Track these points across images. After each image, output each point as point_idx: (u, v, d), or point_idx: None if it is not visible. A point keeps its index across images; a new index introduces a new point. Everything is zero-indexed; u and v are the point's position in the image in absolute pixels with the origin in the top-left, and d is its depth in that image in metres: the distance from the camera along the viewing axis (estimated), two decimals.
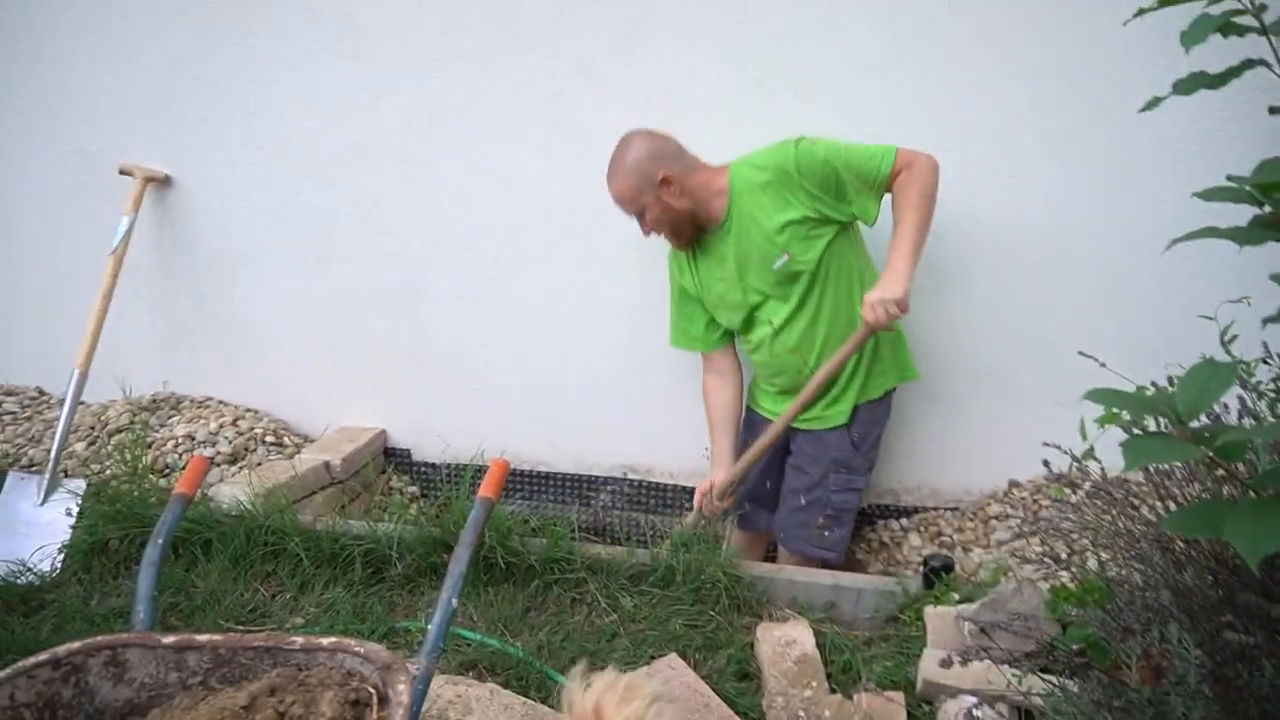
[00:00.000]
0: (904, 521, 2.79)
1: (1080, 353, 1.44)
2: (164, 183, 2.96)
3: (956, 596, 2.15)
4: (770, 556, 2.68)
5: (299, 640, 1.30)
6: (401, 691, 1.18)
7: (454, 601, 1.52)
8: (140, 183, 2.86)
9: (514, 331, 2.95)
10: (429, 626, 1.49)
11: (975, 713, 1.48)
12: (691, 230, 2.32)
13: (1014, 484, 2.65)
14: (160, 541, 1.61)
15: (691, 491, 2.67)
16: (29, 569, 2.35)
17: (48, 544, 2.40)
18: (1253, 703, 1.01)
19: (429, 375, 3.07)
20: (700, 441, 2.63)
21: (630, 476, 2.98)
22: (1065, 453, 1.35)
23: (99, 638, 1.32)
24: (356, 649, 1.28)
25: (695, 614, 2.19)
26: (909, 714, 1.85)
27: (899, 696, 1.88)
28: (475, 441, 3.03)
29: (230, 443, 2.80)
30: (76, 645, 1.30)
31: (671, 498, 2.95)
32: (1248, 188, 0.91)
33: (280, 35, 2.79)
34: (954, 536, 2.64)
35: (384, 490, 3.01)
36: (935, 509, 2.78)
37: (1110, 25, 2.26)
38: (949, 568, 2.18)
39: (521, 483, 3.04)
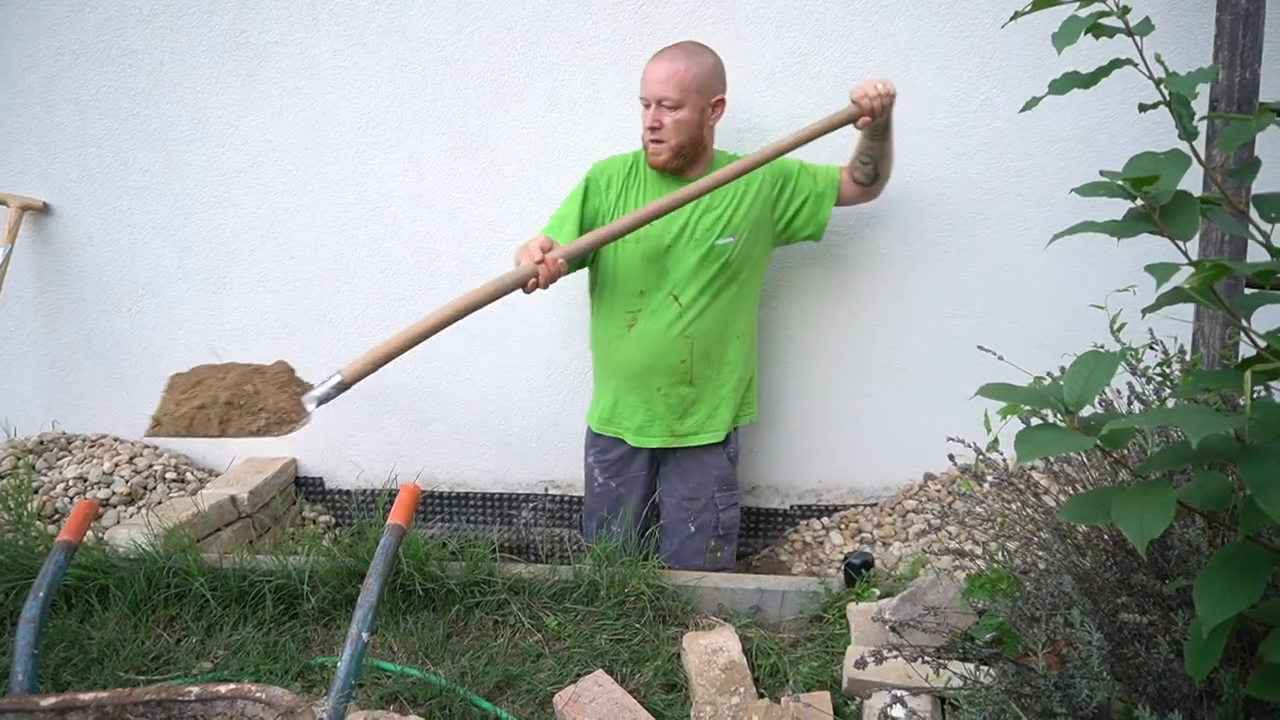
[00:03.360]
0: (825, 520, 2.82)
1: (980, 347, 1.48)
2: (42, 210, 2.80)
3: (877, 592, 2.18)
4: None
5: (194, 690, 1.23)
6: None
7: (365, 636, 1.46)
8: (16, 212, 2.70)
9: (427, 351, 2.87)
10: (339, 664, 1.43)
11: (891, 711, 1.49)
12: (685, 162, 2.23)
13: (929, 477, 2.71)
14: (41, 595, 1.52)
15: None
16: None
17: None
18: (1150, 679, 1.04)
19: (340, 400, 2.97)
20: None
21: (551, 492, 2.94)
22: (969, 446, 1.38)
23: None
24: (257, 695, 1.22)
25: (621, 628, 2.17)
26: (836, 712, 1.86)
27: (825, 697, 1.89)
28: (390, 466, 2.95)
29: (127, 482, 2.65)
30: None
31: None
32: (1120, 183, 0.94)
33: (166, 54, 2.67)
34: (874, 533, 2.68)
35: (296, 522, 2.90)
36: (855, 506, 2.82)
37: (990, 27, 2.35)
38: (869, 564, 2.21)
39: (440, 505, 2.97)
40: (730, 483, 2.48)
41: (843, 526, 2.79)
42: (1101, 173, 0.93)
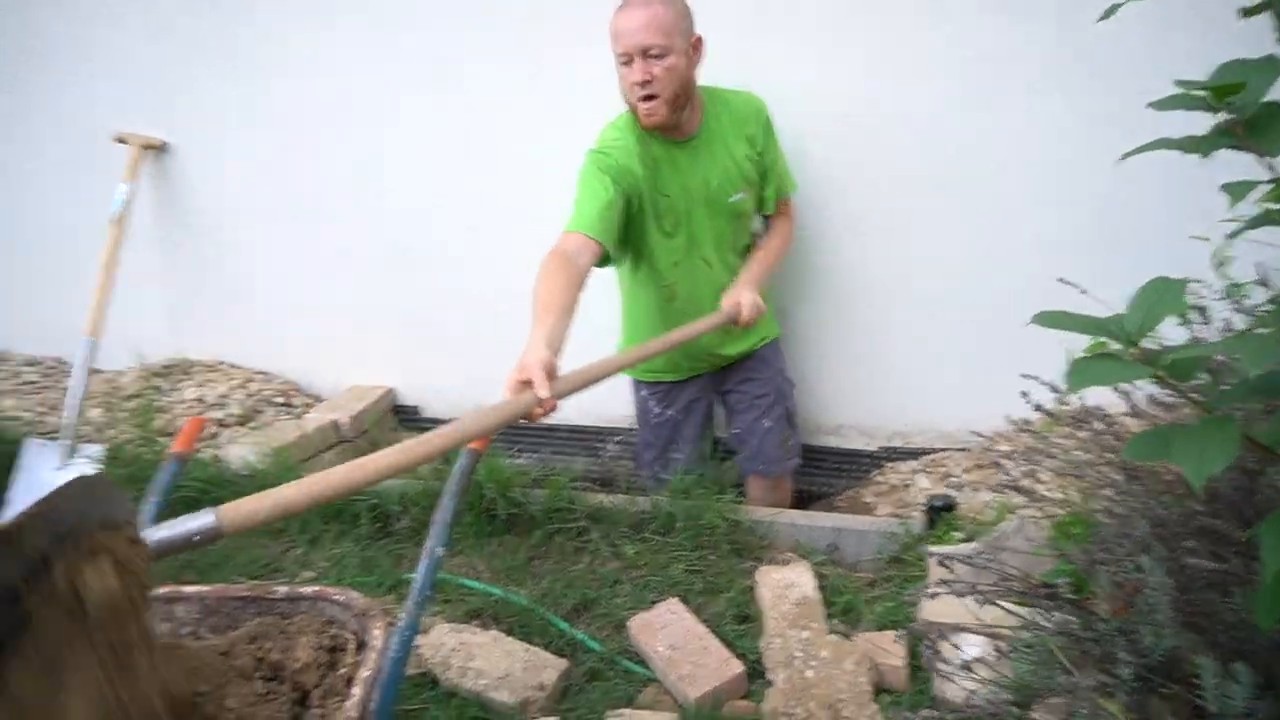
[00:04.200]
0: (913, 464, 2.76)
1: (1060, 279, 1.40)
2: (160, 149, 2.97)
3: (959, 536, 2.14)
4: None
5: (282, 590, 1.33)
6: (376, 636, 1.21)
7: (439, 550, 1.53)
8: (136, 150, 2.88)
9: (515, 285, 2.93)
10: (415, 576, 1.51)
11: (947, 653, 1.47)
12: (680, 113, 2.12)
13: (1023, 421, 2.60)
14: (154, 500, 1.65)
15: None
16: None
17: None
18: (1221, 630, 0.99)
19: (434, 332, 3.08)
20: None
21: (634, 425, 2.98)
22: (1045, 384, 1.32)
23: None
24: (336, 597, 1.30)
25: (696, 559, 2.20)
26: (910, 653, 1.85)
27: (898, 635, 1.88)
28: (480, 396, 3.03)
29: (240, 405, 2.85)
30: None
31: None
32: (1199, 93, 0.87)
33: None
34: (963, 477, 2.61)
35: None
36: (944, 450, 2.75)
37: None
38: (950, 507, 2.16)
39: (528, 436, 3.06)
40: (787, 373, 2.56)
41: (930, 470, 2.73)
42: (1177, 83, 0.85)
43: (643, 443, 2.59)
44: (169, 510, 2.39)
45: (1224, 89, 0.85)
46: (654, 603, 2.05)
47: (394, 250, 2.98)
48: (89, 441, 2.64)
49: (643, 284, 2.35)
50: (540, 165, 2.75)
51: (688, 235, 2.26)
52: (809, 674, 1.83)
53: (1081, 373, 0.82)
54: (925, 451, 2.77)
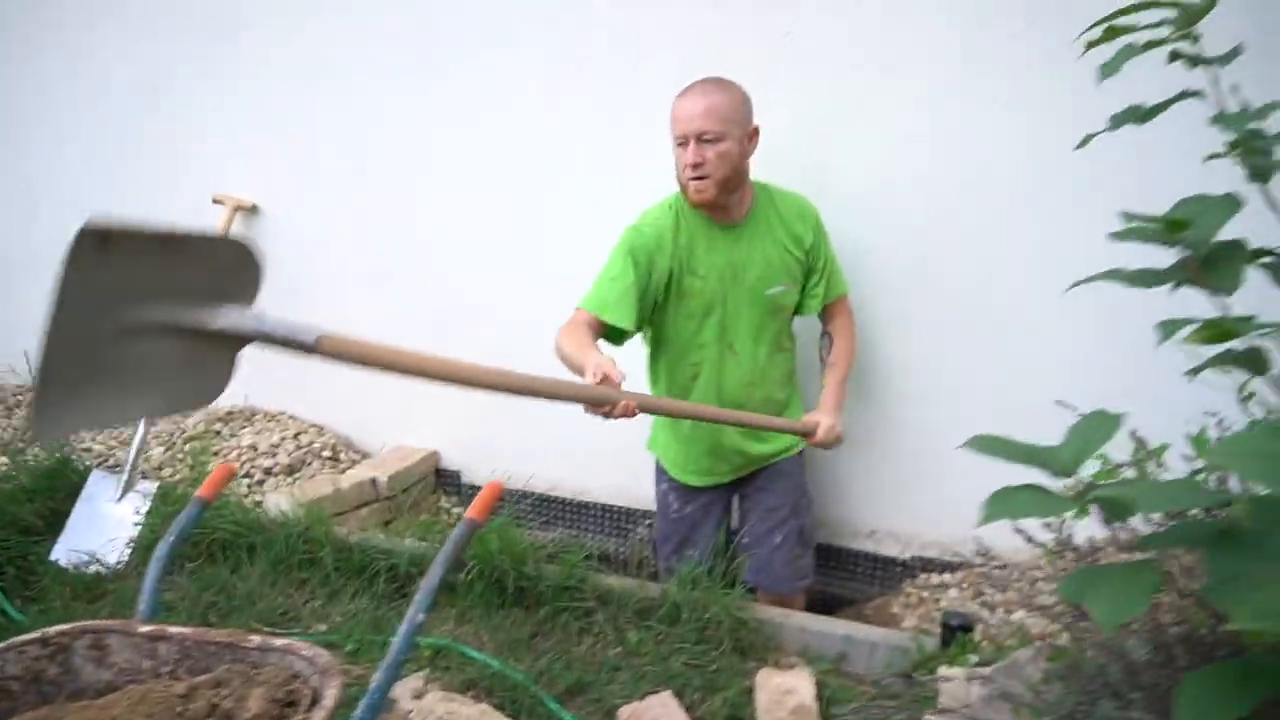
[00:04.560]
0: (947, 576, 2.65)
1: (1058, 402, 1.36)
2: (251, 211, 3.20)
3: (974, 659, 2.04)
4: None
5: (256, 639, 1.37)
6: (329, 695, 1.23)
7: (420, 616, 1.56)
8: (230, 211, 3.11)
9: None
10: (394, 640, 1.54)
11: None
12: (728, 196, 2.18)
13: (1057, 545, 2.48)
14: (170, 539, 1.74)
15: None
16: (98, 560, 2.56)
17: (116, 538, 2.60)
18: None
19: (483, 400, 3.15)
20: None
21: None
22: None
23: (85, 622, 1.44)
24: (304, 652, 1.34)
25: (699, 654, 2.15)
26: None
27: None
28: (521, 467, 3.10)
29: (289, 455, 2.97)
30: (65, 627, 1.42)
31: None
32: (1152, 226, 0.86)
33: (355, 72, 3.00)
34: (994, 597, 2.49)
35: (432, 509, 3.11)
36: (981, 566, 2.63)
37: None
38: (968, 627, 2.06)
39: (563, 511, 3.08)
40: (807, 490, 2.52)
41: (964, 585, 2.61)
42: (1123, 214, 0.84)
43: (660, 535, 2.58)
44: (185, 547, 2.53)
45: (1175, 224, 0.84)
46: (648, 694, 2.02)
47: (450, 315, 3.11)
48: (146, 478, 2.80)
49: (666, 361, 2.38)
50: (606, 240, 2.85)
51: (720, 321, 2.28)
52: None
53: (999, 504, 0.81)
54: (960, 565, 2.66)
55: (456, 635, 2.28)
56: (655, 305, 2.25)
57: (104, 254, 0.99)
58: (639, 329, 2.26)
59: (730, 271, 2.25)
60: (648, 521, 3.00)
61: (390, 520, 2.87)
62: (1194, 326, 0.76)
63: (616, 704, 2.01)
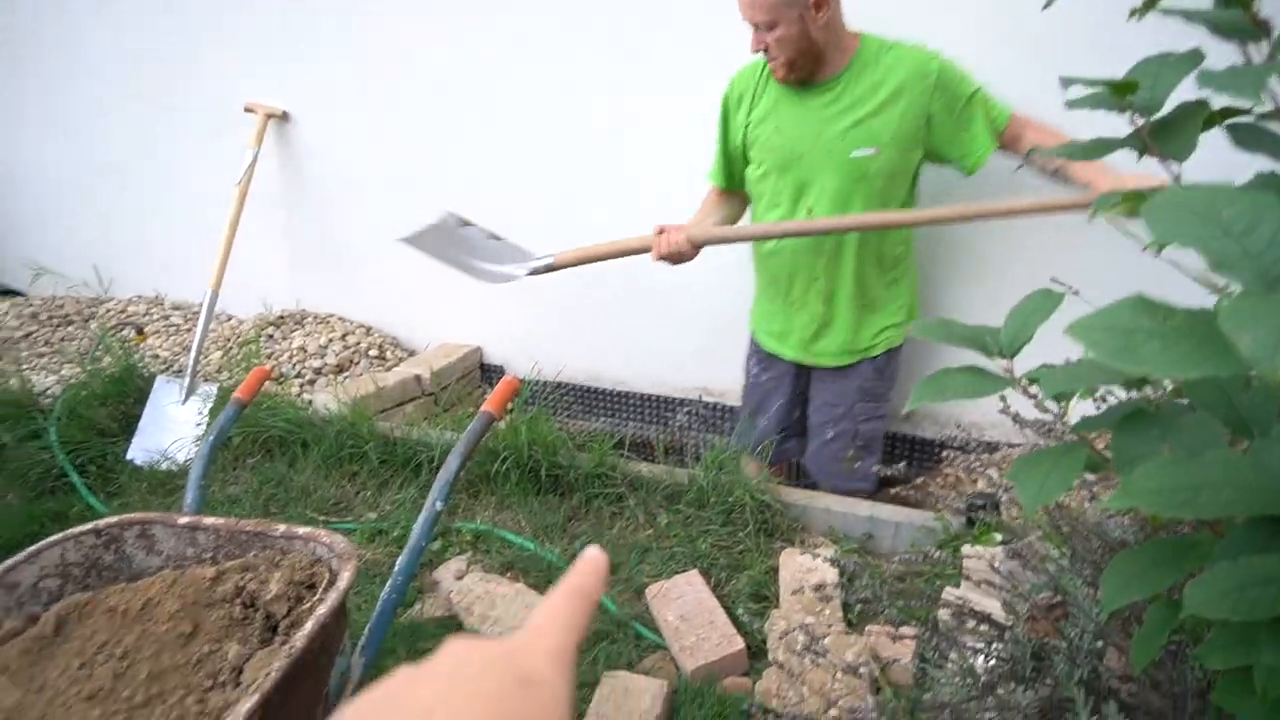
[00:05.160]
0: (985, 457, 2.63)
1: (1052, 279, 1.31)
2: (283, 119, 3.23)
3: (999, 537, 2.05)
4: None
5: (281, 528, 1.47)
6: (344, 577, 1.32)
7: (438, 505, 1.64)
8: (262, 119, 3.14)
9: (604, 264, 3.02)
10: (414, 528, 1.63)
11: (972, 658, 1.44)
12: (806, 70, 2.08)
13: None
14: (212, 439, 1.85)
15: None
16: (168, 458, 2.75)
17: (183, 438, 2.78)
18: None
19: (524, 296, 3.20)
20: None
21: (705, 398, 3.01)
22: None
23: (132, 514, 1.56)
24: (324, 539, 1.43)
25: (725, 535, 2.22)
26: (920, 655, 1.81)
27: (909, 634, 1.84)
28: (561, 360, 3.16)
29: (337, 355, 3.09)
30: (114, 519, 1.54)
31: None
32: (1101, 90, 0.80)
33: None
34: None
35: (476, 404, 3.21)
36: (1019, 445, 2.61)
37: None
38: (992, 506, 2.06)
39: (604, 401, 3.15)
40: (876, 395, 2.36)
41: (1003, 466, 2.59)
42: (1062, 79, 0.79)
43: (743, 400, 2.59)
44: (226, 449, 2.68)
45: (1123, 87, 0.78)
46: (676, 574, 2.10)
47: (488, 215, 3.11)
48: (206, 382, 2.96)
49: (754, 215, 2.33)
50: (629, 137, 2.80)
51: (796, 181, 2.16)
52: (808, 660, 1.82)
53: (932, 385, 0.80)
54: (999, 445, 2.64)
55: (496, 521, 2.40)
56: (745, 162, 2.25)
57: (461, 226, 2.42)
58: (743, 186, 2.30)
59: (812, 129, 2.11)
60: (686, 409, 3.05)
61: (441, 413, 2.98)
62: (1122, 195, 0.72)
63: (646, 583, 2.11)
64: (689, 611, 1.98)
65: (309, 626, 1.23)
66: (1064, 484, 0.73)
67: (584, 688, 1.86)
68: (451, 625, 2.06)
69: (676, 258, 2.17)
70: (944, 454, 2.71)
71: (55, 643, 1.29)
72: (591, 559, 0.48)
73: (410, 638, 2.00)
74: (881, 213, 2.09)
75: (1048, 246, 2.35)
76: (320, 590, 1.35)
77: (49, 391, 3.07)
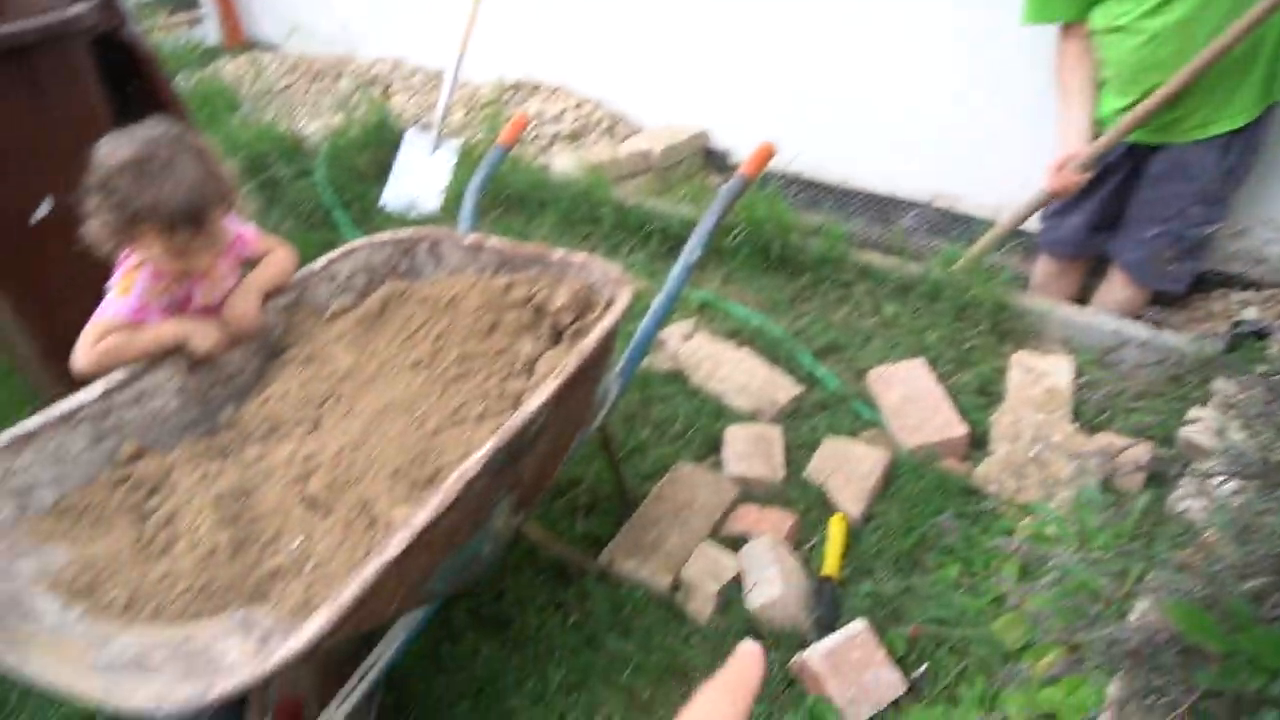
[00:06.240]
0: (1249, 294, 2.42)
1: None
2: None
3: (1262, 368, 1.91)
4: (1088, 286, 2.46)
5: (559, 253, 1.58)
6: (622, 300, 1.42)
7: (695, 255, 1.69)
8: None
9: (839, 47, 2.86)
10: (671, 273, 1.70)
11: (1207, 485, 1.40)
12: None
13: None
14: (482, 174, 1.96)
15: None
16: (416, 208, 2.97)
17: (431, 187, 2.98)
18: None
19: (755, 82, 3.12)
20: (1020, 178, 2.41)
21: (937, 204, 2.88)
22: None
23: (425, 229, 1.72)
24: (599, 266, 1.53)
25: (954, 332, 2.20)
26: (1150, 465, 1.77)
27: (1146, 449, 1.79)
28: (789, 150, 3.09)
29: (571, 123, 3.16)
30: (410, 231, 1.71)
31: (977, 230, 2.82)
32: None
33: None
34: None
35: (699, 184, 3.23)
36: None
37: None
38: (1263, 334, 1.92)
39: (827, 195, 3.08)
40: (1214, 198, 2.07)
41: (1268, 304, 2.38)
42: None
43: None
44: (486, 200, 2.84)
45: None
46: (899, 361, 2.12)
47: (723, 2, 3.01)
48: (451, 137, 3.12)
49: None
50: None
51: None
52: (1033, 453, 1.83)
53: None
54: (1266, 285, 2.41)
55: (721, 294, 2.47)
56: None
57: None
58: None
59: None
60: (915, 212, 2.95)
61: (665, 190, 3.02)
62: None
63: (866, 366, 2.14)
64: (912, 395, 2.01)
65: (596, 333, 1.34)
66: None
67: (802, 448, 1.96)
68: (678, 379, 2.19)
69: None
70: (1205, 285, 2.50)
71: (381, 320, 1.49)
72: (748, 653, 0.46)
73: (642, 385, 2.16)
74: None
75: None
76: (599, 310, 1.46)
77: (313, 136, 3.35)
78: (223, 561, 1.13)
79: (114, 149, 1.26)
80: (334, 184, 3.08)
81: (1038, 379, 2.00)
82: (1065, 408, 1.93)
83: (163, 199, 1.25)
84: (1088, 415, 1.94)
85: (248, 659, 0.99)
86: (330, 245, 2.83)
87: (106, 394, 1.31)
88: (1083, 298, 2.43)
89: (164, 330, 1.36)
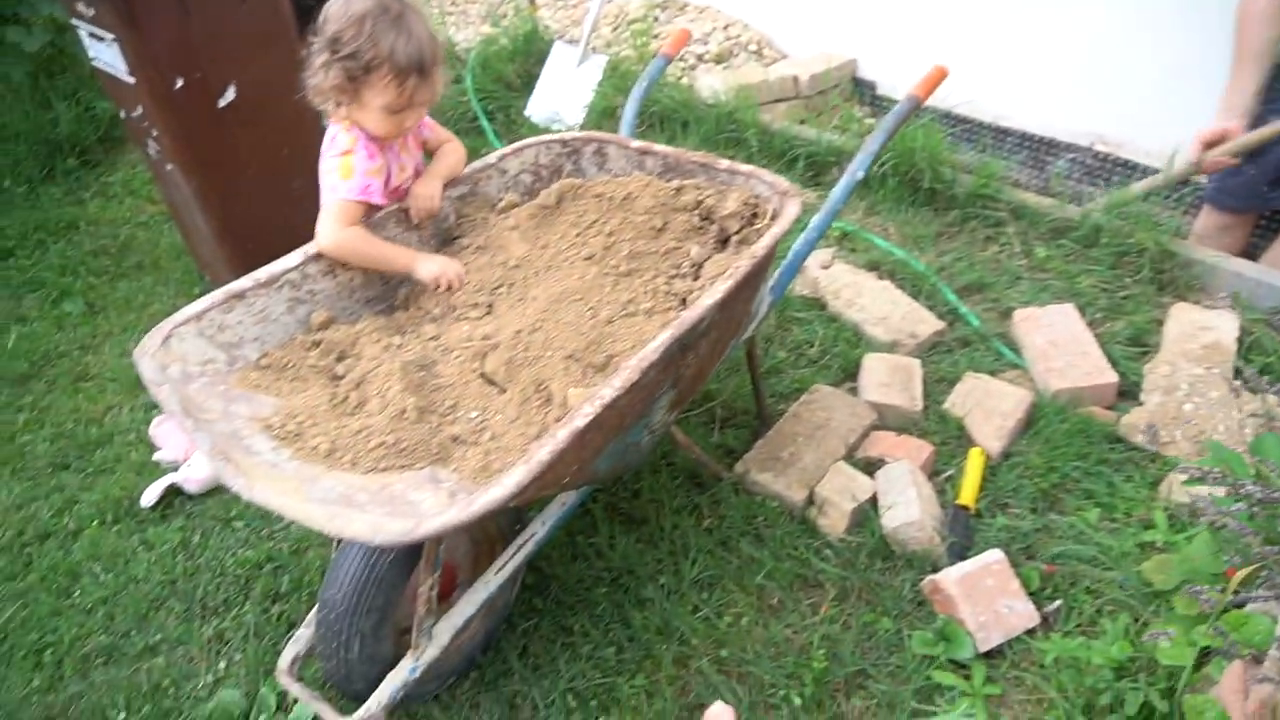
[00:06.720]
0: None
1: None
2: None
3: None
4: (1254, 244, 2.30)
5: (725, 163, 1.59)
6: (791, 212, 1.43)
7: (859, 173, 1.68)
8: None
9: None
10: (833, 190, 1.69)
11: None
12: None
13: None
14: (644, 85, 1.98)
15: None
16: (560, 118, 3.01)
17: (576, 100, 3.01)
18: None
19: (909, 13, 3.01)
20: (1188, 126, 2.27)
21: (1098, 148, 2.75)
22: None
23: (592, 132, 1.76)
24: (766, 177, 1.54)
25: (1110, 278, 2.12)
26: None
27: None
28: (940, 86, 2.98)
29: (718, 44, 3.12)
30: (578, 134, 1.75)
31: (1139, 178, 2.68)
32: None
33: None
34: None
35: (846, 116, 3.16)
36: None
37: None
38: None
39: (979, 133, 2.98)
40: None
41: None
42: None
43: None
44: (612, 117, 2.84)
45: None
46: (1049, 304, 2.06)
47: None
48: (598, 51, 3.12)
49: None
50: None
51: None
52: (1187, 407, 1.77)
53: None
54: None
55: (864, 225, 2.44)
56: None
57: None
58: None
59: None
60: (1072, 155, 2.82)
61: (812, 117, 2.96)
62: None
63: (1012, 306, 2.09)
64: (1060, 339, 1.96)
65: (766, 239, 1.36)
66: None
67: (941, 382, 1.95)
68: (816, 304, 2.19)
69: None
70: None
71: (555, 213, 1.54)
72: (718, 715, 0.48)
73: (780, 308, 2.17)
74: None
75: None
76: (768, 219, 1.48)
77: (462, 44, 3.41)
78: (410, 423, 1.22)
79: (347, 6, 1.34)
80: (482, 91, 3.14)
81: (1198, 333, 1.92)
82: (1227, 365, 1.85)
83: (398, 47, 1.34)
84: (1248, 376, 1.86)
85: (443, 508, 1.07)
86: (478, 152, 2.94)
87: (304, 262, 1.41)
88: (1249, 257, 2.30)
89: (399, 256, 1.45)
